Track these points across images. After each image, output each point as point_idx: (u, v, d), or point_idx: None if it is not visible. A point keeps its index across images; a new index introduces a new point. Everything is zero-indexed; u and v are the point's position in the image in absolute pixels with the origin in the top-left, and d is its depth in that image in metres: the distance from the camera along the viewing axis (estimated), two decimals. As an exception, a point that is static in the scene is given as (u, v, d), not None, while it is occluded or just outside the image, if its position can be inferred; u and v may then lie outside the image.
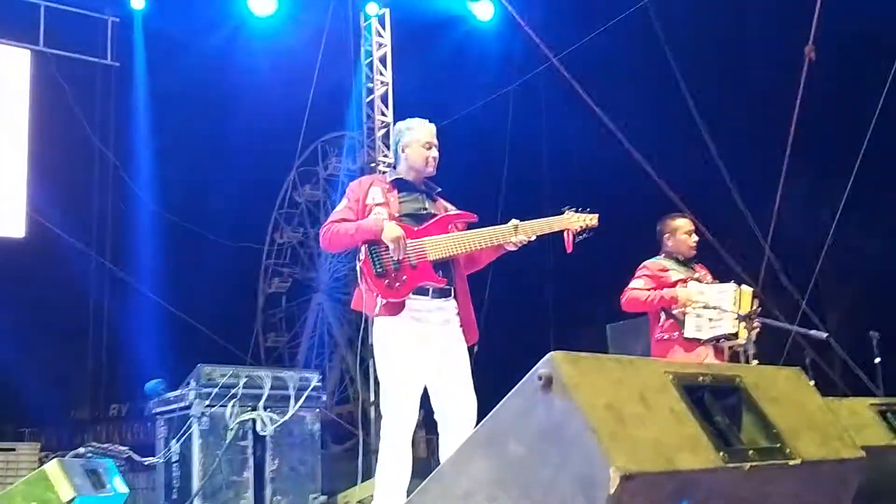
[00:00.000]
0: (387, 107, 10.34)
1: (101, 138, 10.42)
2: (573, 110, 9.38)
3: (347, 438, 13.90)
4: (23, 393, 11.91)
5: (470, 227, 3.86)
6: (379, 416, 9.34)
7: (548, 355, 1.74)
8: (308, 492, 7.23)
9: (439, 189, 3.98)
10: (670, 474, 1.67)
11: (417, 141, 3.90)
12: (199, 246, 13.45)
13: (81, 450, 5.87)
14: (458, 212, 3.91)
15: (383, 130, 10.24)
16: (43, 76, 9.79)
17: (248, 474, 6.87)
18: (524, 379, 1.78)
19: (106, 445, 6.56)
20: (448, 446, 3.63)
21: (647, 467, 1.62)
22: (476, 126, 11.39)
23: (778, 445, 1.92)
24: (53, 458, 4.83)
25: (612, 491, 1.56)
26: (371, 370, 9.15)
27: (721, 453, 1.78)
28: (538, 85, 10.99)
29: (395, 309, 3.64)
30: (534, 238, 3.77)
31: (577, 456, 1.64)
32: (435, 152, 3.89)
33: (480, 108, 11.44)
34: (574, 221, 3.80)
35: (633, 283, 4.88)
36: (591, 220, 3.83)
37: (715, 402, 1.93)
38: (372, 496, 6.98)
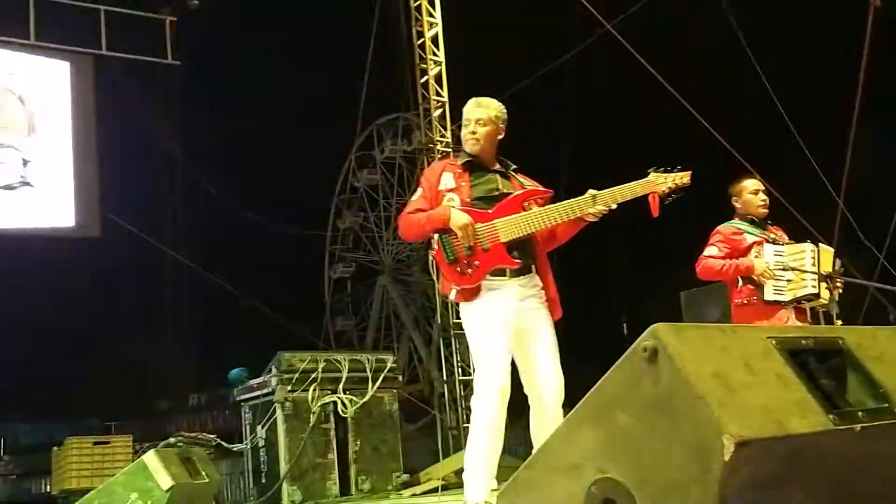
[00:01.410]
0: (441, 87, 10.35)
1: (167, 136, 10.68)
2: (632, 78, 9.25)
3: (419, 417, 14.06)
4: (106, 388, 12.34)
5: (549, 202, 3.79)
6: (452, 395, 9.41)
7: (651, 328, 1.75)
8: (391, 470, 7.39)
9: (514, 166, 3.94)
10: (782, 439, 1.68)
11: (463, 120, 3.90)
12: (266, 236, 13.71)
13: (172, 439, 6.03)
14: (531, 188, 3.85)
15: (439, 111, 10.26)
16: (107, 79, 10.09)
17: (333, 456, 7.06)
18: (627, 352, 1.80)
19: (194, 434, 6.75)
20: (539, 420, 3.65)
21: (760, 433, 1.63)
22: (534, 99, 11.32)
23: (886, 405, 1.91)
24: (149, 448, 4.98)
25: (726, 458, 1.58)
26: (454, 349, 9.22)
27: (830, 416, 1.78)
28: (596, 53, 10.84)
29: (470, 294, 3.67)
30: (614, 207, 3.69)
31: (688, 425, 1.66)
32: (472, 127, 3.83)
33: (538, 80, 11.35)
34: (661, 183, 3.69)
35: (708, 251, 4.82)
36: (683, 178, 3.70)
37: (819, 365, 1.92)
38: (454, 472, 7.11)
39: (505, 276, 3.69)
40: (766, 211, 4.89)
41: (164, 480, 4.75)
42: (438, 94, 10.28)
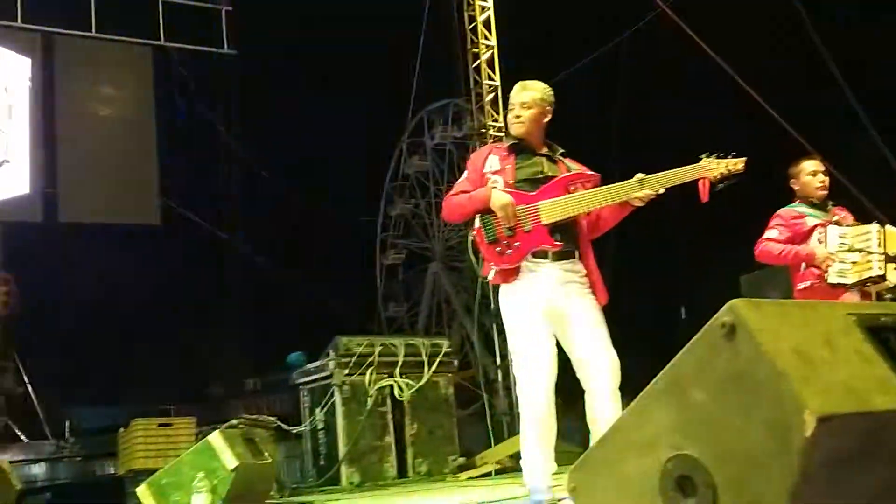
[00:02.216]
0: (493, 71, 10.33)
1: (224, 124, 10.86)
2: (688, 58, 9.11)
3: (471, 403, 14.11)
4: (163, 373, 12.60)
5: (594, 187, 3.74)
6: (503, 380, 9.39)
7: (728, 304, 1.74)
8: (447, 454, 7.47)
9: (562, 150, 3.92)
10: (864, 415, 1.65)
11: (509, 103, 3.91)
12: (321, 222, 13.86)
13: (234, 421, 6.14)
14: (577, 172, 3.82)
15: (491, 95, 10.25)
16: (165, 69, 10.31)
17: (390, 439, 7.17)
18: (704, 328, 1.78)
19: (255, 416, 6.87)
20: (596, 402, 3.61)
21: (842, 409, 1.61)
22: (587, 81, 11.21)
23: (968, 383, 1.86)
24: (210, 431, 5.09)
25: (808, 434, 1.56)
26: (496, 335, 9.26)
27: (913, 393, 1.75)
28: (651, 34, 10.68)
29: (509, 275, 3.66)
30: (662, 192, 3.65)
31: (768, 402, 1.64)
32: (517, 111, 3.82)
33: (590, 62, 11.23)
34: (713, 169, 3.64)
35: (768, 234, 4.75)
36: (737, 164, 3.65)
37: (900, 342, 1.88)
38: (510, 457, 7.13)
39: (546, 258, 3.66)
40: (825, 193, 4.79)
41: (230, 460, 4.85)
42: (490, 79, 10.27)
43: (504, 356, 9.51)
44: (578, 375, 3.69)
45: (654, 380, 1.92)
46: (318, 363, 7.35)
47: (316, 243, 14.13)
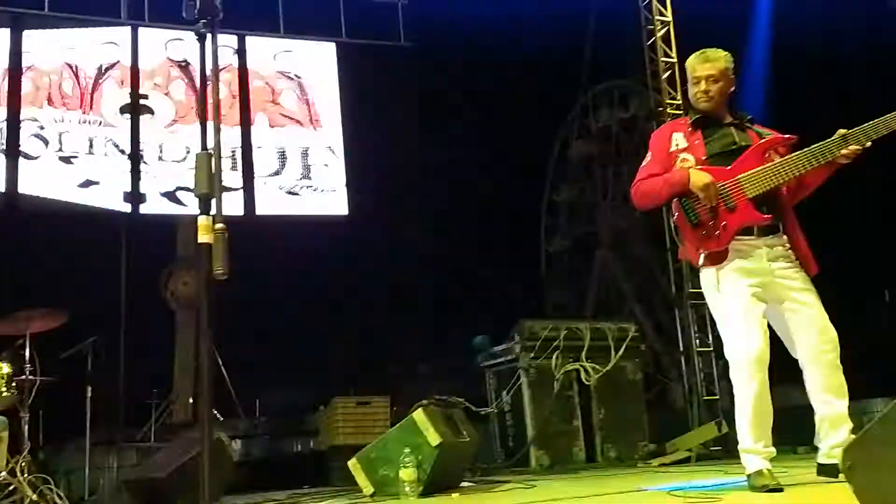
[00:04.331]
0: (670, 47, 10.04)
1: (405, 117, 11.19)
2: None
3: (649, 388, 13.85)
4: (345, 357, 13.09)
5: (792, 149, 3.55)
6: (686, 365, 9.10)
7: None
8: (636, 440, 7.38)
9: (749, 116, 3.73)
10: None
11: (690, 77, 3.71)
12: (492, 208, 14.02)
13: (424, 401, 6.31)
14: (773, 136, 3.61)
15: (668, 72, 9.96)
16: (347, 65, 10.76)
17: (577, 423, 7.16)
18: None
19: (444, 397, 7.04)
20: (820, 378, 3.42)
21: None
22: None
23: None
24: (418, 407, 5.26)
25: None
26: (691, 321, 8.96)
27: None
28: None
29: (719, 258, 3.50)
30: (868, 145, 3.41)
31: None
32: (704, 86, 3.64)
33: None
34: None
35: None
36: None
37: None
38: (702, 445, 6.95)
39: (753, 234, 3.50)
40: None
41: (434, 437, 5.00)
42: (667, 55, 9.98)
43: (688, 344, 9.24)
44: (798, 353, 3.50)
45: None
46: (503, 346, 7.45)
47: (486, 229, 14.28)
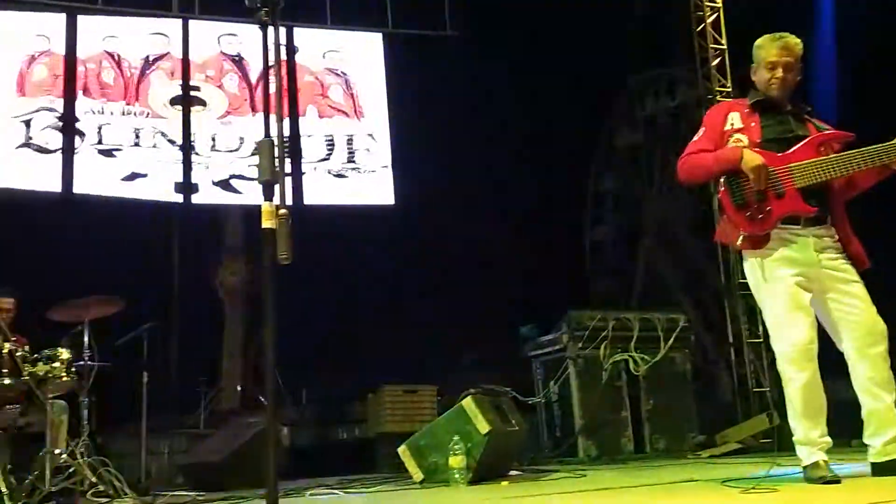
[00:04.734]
0: (720, 34, 9.86)
1: (449, 107, 11.21)
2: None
3: (695, 380, 13.71)
4: (387, 349, 13.16)
5: (847, 147, 3.51)
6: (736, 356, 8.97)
7: None
8: (685, 430, 7.32)
9: (809, 108, 3.67)
10: None
11: (762, 60, 3.62)
12: (536, 197, 13.98)
13: (472, 390, 6.33)
14: (831, 131, 3.57)
15: (717, 59, 9.79)
16: (393, 55, 10.81)
17: (626, 413, 7.12)
18: None
19: (490, 387, 7.05)
20: (865, 370, 3.36)
21: None
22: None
23: None
24: (467, 395, 5.28)
25: None
26: (740, 311, 8.82)
27: None
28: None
29: (758, 242, 3.46)
30: None
31: None
32: (780, 73, 3.57)
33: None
34: None
35: None
36: None
37: None
38: (752, 437, 6.87)
39: (798, 224, 3.45)
40: None
41: (483, 425, 5.03)
42: (716, 42, 9.81)
43: (736, 336, 9.09)
44: (844, 346, 3.44)
45: None
46: (550, 336, 7.42)
47: (530, 219, 14.24)
